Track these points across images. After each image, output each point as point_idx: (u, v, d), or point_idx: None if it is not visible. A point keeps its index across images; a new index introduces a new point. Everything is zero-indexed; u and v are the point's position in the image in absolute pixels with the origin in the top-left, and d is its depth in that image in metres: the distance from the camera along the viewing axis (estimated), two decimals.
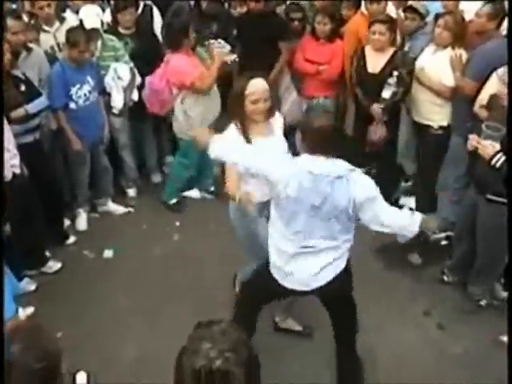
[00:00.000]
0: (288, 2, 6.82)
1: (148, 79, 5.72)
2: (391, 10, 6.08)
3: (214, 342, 1.59)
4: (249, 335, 3.06)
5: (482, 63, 4.83)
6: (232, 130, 3.94)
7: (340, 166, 3.25)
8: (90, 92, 5.38)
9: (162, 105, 5.76)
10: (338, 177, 3.20)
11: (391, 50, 5.46)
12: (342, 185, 3.21)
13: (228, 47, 5.80)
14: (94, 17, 5.85)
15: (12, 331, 1.95)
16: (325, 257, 3.39)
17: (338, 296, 3.58)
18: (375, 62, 5.50)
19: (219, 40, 5.86)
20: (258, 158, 3.46)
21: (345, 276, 3.49)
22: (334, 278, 3.43)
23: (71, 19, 5.84)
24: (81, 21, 5.72)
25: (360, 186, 3.24)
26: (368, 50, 5.56)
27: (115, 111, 5.84)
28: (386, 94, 5.40)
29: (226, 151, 3.60)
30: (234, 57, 5.80)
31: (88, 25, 5.63)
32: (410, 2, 5.87)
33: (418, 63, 5.37)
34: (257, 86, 3.87)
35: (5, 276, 2.58)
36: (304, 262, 3.41)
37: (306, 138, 3.29)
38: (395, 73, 5.33)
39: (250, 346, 1.64)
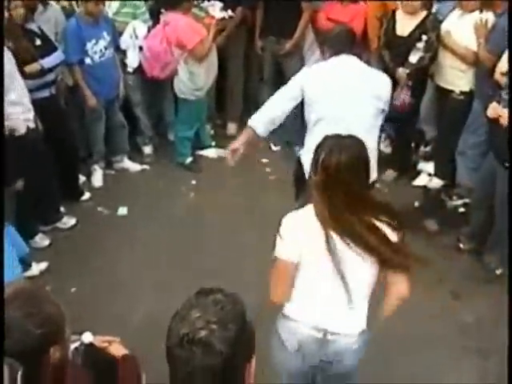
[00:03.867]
0: None
1: (147, 43, 5.62)
2: None
3: (204, 311, 1.54)
4: None
5: (501, 37, 4.69)
6: None
7: None
8: (105, 48, 5.32)
9: (162, 68, 5.65)
10: None
11: (423, 14, 5.33)
12: None
13: (219, 4, 5.73)
14: None
15: (12, 295, 1.91)
16: None
17: None
18: (405, 25, 5.38)
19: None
20: None
21: None
22: None
23: None
24: None
25: None
26: (399, 13, 5.42)
27: (130, 69, 5.79)
28: (413, 58, 5.29)
29: None
30: (227, 13, 5.79)
31: None
32: None
33: (444, 26, 5.24)
34: None
35: (9, 238, 2.55)
36: None
37: None
38: (424, 37, 5.21)
39: (244, 324, 1.56)
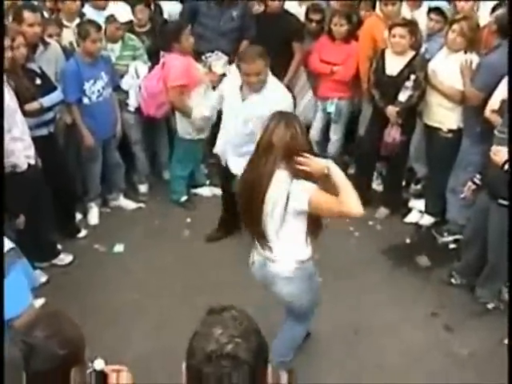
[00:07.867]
0: (309, 3, 6.63)
1: (144, 83, 5.75)
2: (405, 11, 6.04)
3: (225, 327, 1.65)
4: None
5: (488, 75, 4.84)
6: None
7: None
8: (103, 88, 5.43)
9: (158, 107, 5.77)
10: None
11: (411, 54, 5.47)
12: None
13: (225, 58, 5.80)
14: (125, 12, 5.90)
15: (35, 319, 1.99)
16: None
17: None
18: (394, 65, 5.51)
19: (216, 52, 5.85)
20: None
21: None
22: None
23: (90, 14, 5.90)
24: (112, 15, 5.76)
25: None
26: (388, 53, 5.56)
27: (131, 109, 5.90)
28: (403, 97, 5.41)
29: None
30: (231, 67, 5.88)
31: (122, 19, 5.76)
32: (434, 3, 5.76)
33: (431, 66, 5.37)
34: None
35: (22, 267, 2.62)
36: None
37: None
38: (412, 76, 5.34)
39: (260, 335, 1.69)
